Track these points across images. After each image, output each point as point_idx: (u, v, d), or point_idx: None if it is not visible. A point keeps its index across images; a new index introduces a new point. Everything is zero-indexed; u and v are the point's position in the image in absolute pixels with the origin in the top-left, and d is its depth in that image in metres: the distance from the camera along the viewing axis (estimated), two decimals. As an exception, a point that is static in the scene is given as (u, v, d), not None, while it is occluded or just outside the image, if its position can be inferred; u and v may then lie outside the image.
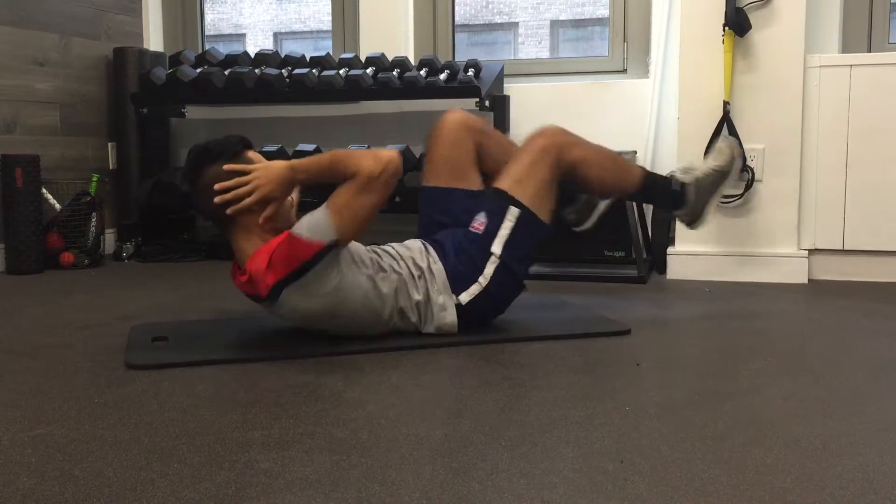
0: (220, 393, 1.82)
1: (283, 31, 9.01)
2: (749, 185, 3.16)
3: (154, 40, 4.41)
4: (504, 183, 2.29)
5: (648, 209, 3.50)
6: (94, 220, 3.76)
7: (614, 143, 3.50)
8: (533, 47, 7.61)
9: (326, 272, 2.03)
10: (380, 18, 4.03)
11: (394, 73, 3.69)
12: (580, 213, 2.55)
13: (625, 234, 3.30)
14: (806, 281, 3.18)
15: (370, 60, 3.77)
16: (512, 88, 3.83)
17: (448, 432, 1.54)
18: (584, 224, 2.56)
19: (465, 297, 2.23)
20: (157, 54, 4.22)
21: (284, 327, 2.33)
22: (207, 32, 4.69)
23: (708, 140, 3.18)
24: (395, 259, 2.23)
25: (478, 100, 3.57)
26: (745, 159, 3.09)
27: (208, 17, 4.78)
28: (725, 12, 3.10)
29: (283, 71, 3.85)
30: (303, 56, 3.94)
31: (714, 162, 2.52)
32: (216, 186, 2.09)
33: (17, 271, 3.54)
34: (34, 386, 1.88)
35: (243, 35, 8.69)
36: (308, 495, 1.27)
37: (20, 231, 3.54)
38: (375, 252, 2.23)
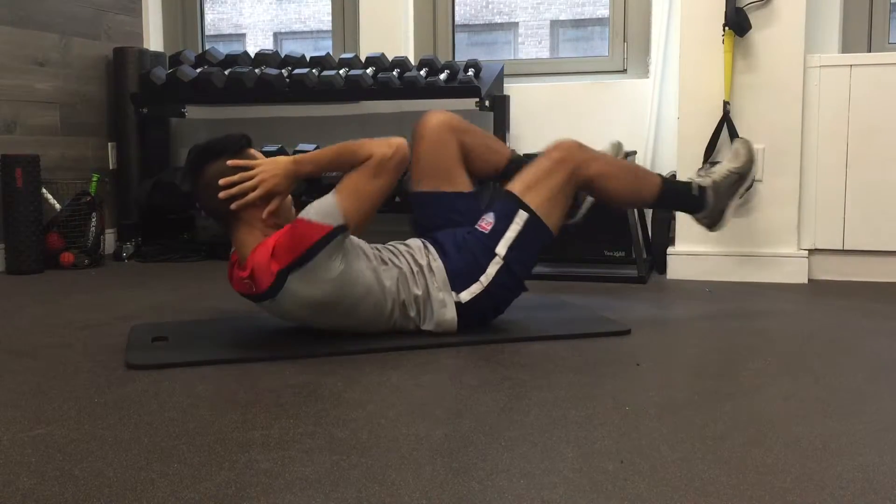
0: (220, 393, 1.82)
1: (283, 31, 9.01)
2: (749, 186, 3.16)
3: (154, 40, 4.41)
4: (515, 186, 2.30)
5: (648, 209, 3.50)
6: (94, 220, 3.76)
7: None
8: (533, 47, 7.61)
9: (331, 258, 2.04)
10: (380, 18, 4.03)
11: (394, 73, 3.69)
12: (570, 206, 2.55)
13: (625, 234, 3.30)
14: (806, 281, 3.18)
15: (370, 60, 3.77)
16: (512, 88, 3.83)
17: (448, 432, 1.54)
18: (575, 217, 2.54)
19: (465, 296, 2.23)
20: (157, 54, 4.22)
21: (284, 327, 2.33)
22: (207, 32, 4.69)
23: (708, 140, 3.19)
24: (394, 254, 2.25)
25: (478, 100, 3.57)
26: None
27: (208, 17, 4.78)
28: (725, 12, 3.10)
29: (283, 71, 3.85)
30: (303, 56, 3.94)
31: (731, 164, 2.53)
32: (221, 181, 2.10)
33: (17, 271, 3.54)
34: (34, 386, 1.88)
35: (243, 35, 8.69)
36: (308, 495, 1.27)
37: (20, 231, 3.54)
38: (376, 248, 2.24)
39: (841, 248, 3.20)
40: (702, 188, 2.48)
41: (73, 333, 2.40)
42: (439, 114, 2.40)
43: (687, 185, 2.51)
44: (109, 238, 4.07)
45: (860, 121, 3.14)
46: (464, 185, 2.42)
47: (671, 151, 3.45)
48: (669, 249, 3.31)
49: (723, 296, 2.95)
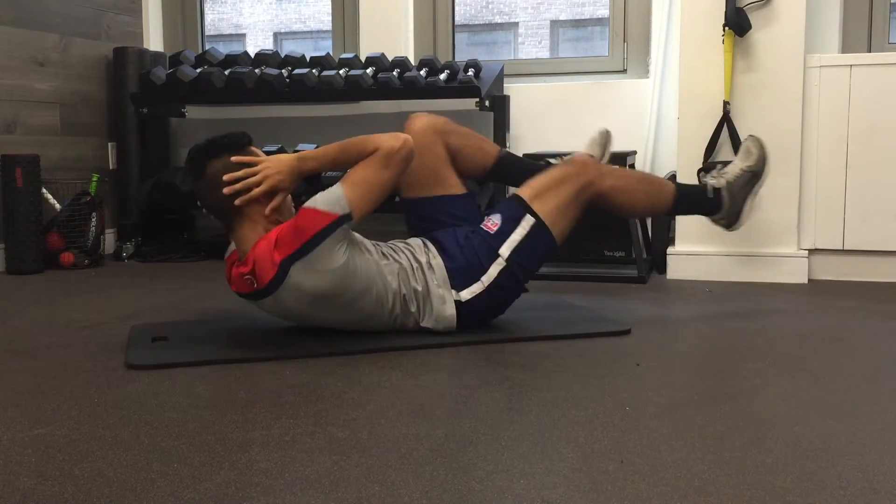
0: (220, 393, 1.82)
1: (283, 31, 9.01)
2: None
3: (154, 40, 4.41)
4: (525, 192, 2.32)
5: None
6: (94, 220, 3.76)
7: (614, 143, 3.51)
8: (533, 47, 7.61)
9: (335, 248, 2.04)
10: (380, 18, 4.03)
11: (394, 73, 3.69)
12: None
13: (625, 234, 3.30)
14: (806, 281, 3.18)
15: (370, 60, 3.77)
16: (512, 88, 3.83)
17: (448, 432, 1.54)
18: None
19: (465, 294, 2.23)
20: (157, 54, 4.22)
21: (284, 327, 2.33)
22: (207, 32, 4.69)
23: (708, 140, 3.19)
24: (394, 251, 2.26)
25: (478, 100, 3.57)
26: None
27: (208, 17, 4.78)
28: (725, 12, 3.10)
29: (283, 71, 3.85)
30: (303, 56, 3.94)
31: (744, 163, 2.53)
32: (226, 177, 2.11)
33: (17, 271, 3.54)
34: (34, 386, 1.88)
35: (243, 35, 8.69)
36: (308, 495, 1.27)
37: (20, 231, 3.54)
38: (376, 244, 2.25)
39: (841, 248, 3.20)
40: (716, 190, 2.48)
41: (73, 333, 2.40)
42: (423, 117, 2.39)
43: (701, 189, 2.51)
44: (109, 238, 4.07)
45: (860, 121, 3.14)
46: (455, 186, 2.42)
47: (671, 151, 3.45)
48: (669, 249, 3.31)
49: (723, 296, 2.95)
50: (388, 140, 2.13)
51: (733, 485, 1.30)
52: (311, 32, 8.56)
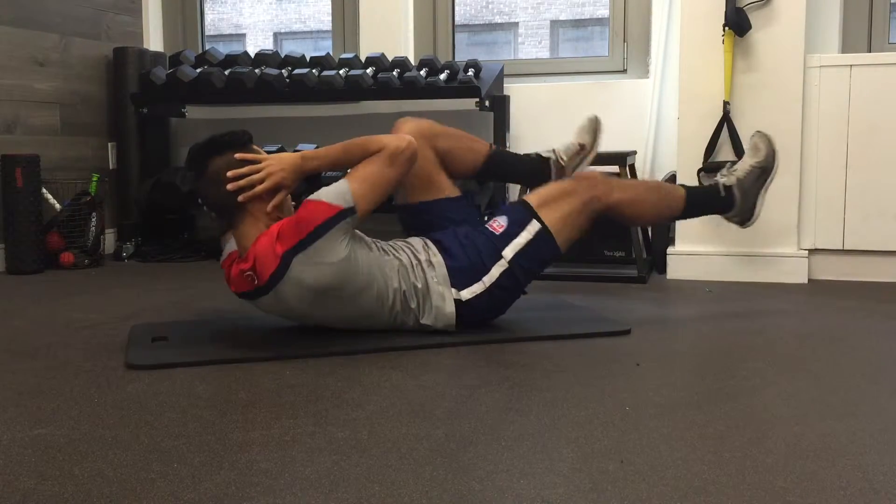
0: (220, 393, 1.82)
1: (283, 31, 9.01)
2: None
3: (154, 40, 4.41)
4: (533, 199, 2.33)
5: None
6: (94, 220, 3.77)
7: (614, 143, 3.52)
8: (533, 47, 7.61)
9: (336, 241, 2.05)
10: (380, 18, 4.03)
11: (394, 73, 3.69)
12: None
13: (625, 234, 3.30)
14: (806, 281, 3.18)
15: (370, 60, 3.77)
16: (512, 88, 3.83)
17: (448, 432, 1.54)
18: None
19: (466, 294, 2.23)
20: (157, 54, 4.22)
21: (284, 327, 2.33)
22: (207, 32, 4.69)
23: (708, 140, 3.19)
24: (395, 248, 2.27)
25: (478, 100, 3.57)
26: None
27: (208, 17, 4.78)
28: (725, 12, 3.10)
29: (283, 71, 3.85)
30: (303, 56, 3.94)
31: (752, 159, 2.53)
32: (230, 173, 2.12)
33: (17, 271, 3.54)
34: (34, 386, 1.88)
35: (243, 35, 8.69)
36: (308, 495, 1.27)
37: (20, 231, 3.54)
38: (376, 242, 2.26)
39: (841, 248, 3.20)
40: (727, 187, 2.49)
41: (73, 333, 2.40)
42: (409, 122, 2.38)
43: (710, 189, 2.52)
44: (109, 238, 4.07)
45: (860, 121, 3.14)
46: (448, 189, 2.42)
47: (671, 151, 3.45)
48: (669, 249, 3.31)
49: (723, 296, 2.95)
50: (393, 140, 2.16)
51: (733, 485, 1.30)
52: (311, 32, 8.56)
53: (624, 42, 3.83)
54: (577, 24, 7.36)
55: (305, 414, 1.65)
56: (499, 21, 7.69)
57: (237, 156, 2.15)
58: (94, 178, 3.86)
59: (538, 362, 2.04)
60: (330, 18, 4.30)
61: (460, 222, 2.36)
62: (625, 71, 3.84)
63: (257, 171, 2.14)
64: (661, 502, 1.24)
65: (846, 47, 3.33)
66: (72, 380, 1.92)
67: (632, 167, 3.47)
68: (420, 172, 2.32)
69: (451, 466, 1.38)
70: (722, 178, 2.52)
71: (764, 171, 2.52)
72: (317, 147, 3.72)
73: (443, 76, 3.65)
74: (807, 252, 3.20)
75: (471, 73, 3.64)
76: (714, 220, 3.08)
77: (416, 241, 2.31)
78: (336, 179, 2.16)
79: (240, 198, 2.12)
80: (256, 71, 3.84)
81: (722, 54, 3.15)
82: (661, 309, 2.79)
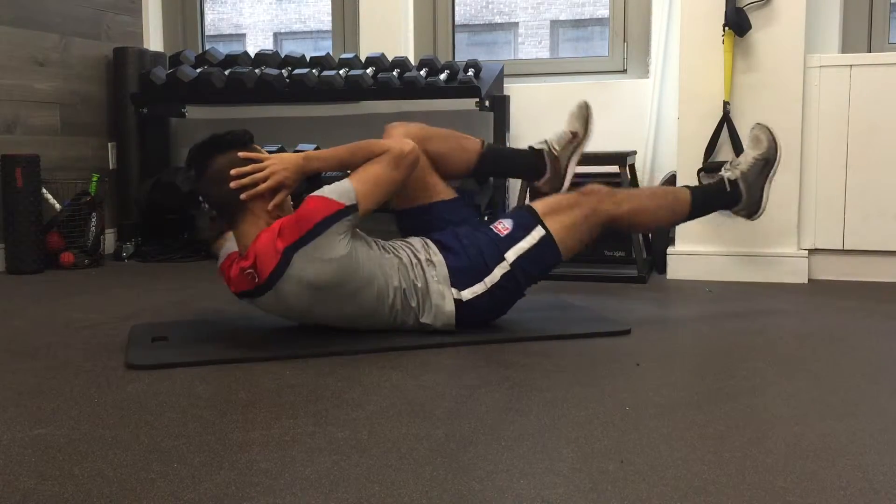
0: (220, 393, 1.82)
1: (283, 31, 9.02)
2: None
3: (154, 40, 4.41)
4: (539, 206, 2.34)
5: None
6: (94, 220, 3.77)
7: (614, 144, 3.52)
8: (533, 47, 7.62)
9: (337, 238, 2.06)
10: (380, 18, 4.03)
11: (394, 73, 3.69)
12: (552, 181, 2.52)
13: (625, 234, 3.30)
14: (806, 281, 3.18)
15: (370, 60, 3.77)
16: (512, 88, 3.83)
17: (448, 432, 1.54)
18: (563, 189, 2.52)
19: (467, 294, 2.23)
20: (157, 54, 4.22)
21: (284, 327, 2.33)
22: (207, 32, 4.69)
23: (708, 140, 3.19)
24: (395, 247, 2.27)
25: (478, 100, 3.57)
26: None
27: (208, 17, 4.78)
28: (725, 12, 3.10)
29: (283, 71, 3.85)
30: (303, 56, 3.94)
31: (755, 151, 2.54)
32: (233, 172, 2.13)
33: (17, 271, 3.54)
34: (34, 386, 1.88)
35: (243, 35, 8.69)
36: (308, 495, 1.27)
37: (20, 231, 3.54)
38: (376, 241, 2.26)
39: (841, 248, 3.20)
40: (732, 182, 2.49)
41: (73, 333, 2.40)
42: (398, 127, 2.37)
43: (714, 186, 2.53)
44: (109, 238, 4.07)
45: (860, 121, 3.14)
46: (444, 192, 2.42)
47: (671, 151, 3.45)
48: (669, 249, 3.31)
49: (723, 296, 2.95)
50: (398, 144, 2.18)
51: (733, 485, 1.30)
52: (311, 32, 8.57)
53: (624, 42, 3.83)
54: (577, 24, 7.36)
55: (305, 414, 1.65)
56: (499, 21, 7.70)
57: (241, 154, 2.17)
58: (94, 178, 3.86)
59: (538, 362, 2.04)
60: (330, 18, 4.30)
61: (458, 223, 2.36)
62: (625, 71, 3.84)
63: (260, 170, 2.15)
64: (661, 502, 1.24)
65: (846, 47, 3.33)
66: (72, 380, 1.92)
67: (632, 167, 3.47)
68: (414, 177, 2.32)
69: (451, 466, 1.38)
70: (726, 173, 2.53)
71: (767, 163, 2.52)
72: (317, 147, 3.74)
73: (443, 76, 3.65)
74: (807, 252, 3.20)
75: (471, 73, 3.64)
76: (714, 219, 3.09)
77: (416, 241, 2.31)
78: (337, 180, 2.17)
79: (242, 196, 2.13)
80: (256, 71, 3.84)
81: (722, 54, 3.15)
82: (661, 309, 2.79)
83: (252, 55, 3.99)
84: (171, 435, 1.54)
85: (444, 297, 2.22)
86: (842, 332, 2.41)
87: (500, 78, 3.78)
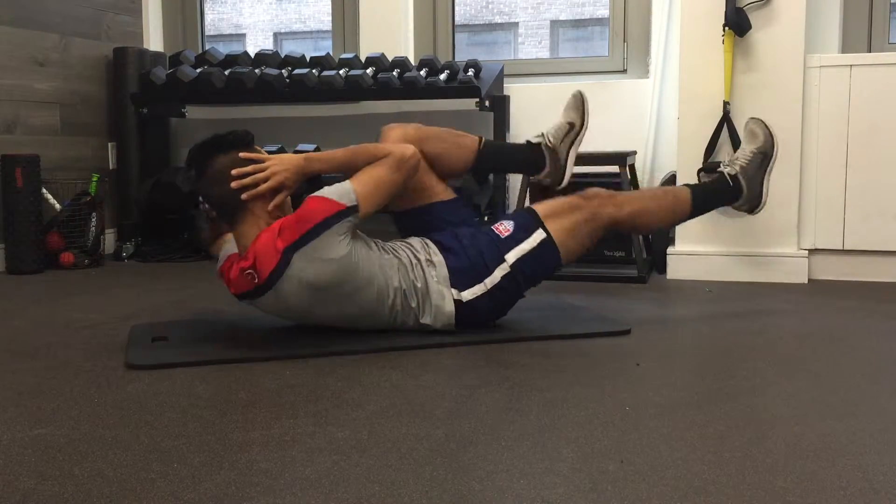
0: (220, 393, 1.82)
1: (283, 31, 9.02)
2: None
3: (154, 40, 4.41)
4: (540, 209, 2.34)
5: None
6: (94, 220, 3.77)
7: (614, 144, 3.52)
8: (533, 47, 7.62)
9: (337, 238, 2.07)
10: (380, 18, 4.03)
11: (394, 73, 3.69)
12: (552, 174, 2.51)
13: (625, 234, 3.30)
14: (806, 281, 3.18)
15: (370, 60, 3.77)
16: (512, 88, 3.83)
17: (448, 432, 1.54)
18: (563, 182, 2.52)
19: (467, 295, 2.23)
20: (157, 54, 4.22)
21: (284, 327, 2.33)
22: (207, 32, 4.69)
23: (708, 140, 3.19)
24: (394, 248, 2.27)
25: (478, 100, 3.57)
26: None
27: (208, 17, 4.78)
28: (725, 12, 3.10)
29: (283, 71, 3.85)
30: (303, 56, 3.94)
31: (752, 145, 2.55)
32: (234, 172, 2.14)
33: (17, 271, 3.54)
34: (34, 386, 1.88)
35: (243, 35, 8.69)
36: (308, 495, 1.27)
37: (20, 231, 3.54)
38: (375, 241, 2.26)
39: (841, 248, 3.20)
40: (732, 177, 2.50)
41: (73, 333, 2.40)
42: (395, 129, 2.37)
43: (715, 183, 2.53)
44: (109, 238, 4.07)
45: (860, 121, 3.14)
46: (442, 192, 2.41)
47: (671, 151, 3.45)
48: (669, 249, 3.31)
49: (723, 296, 2.95)
50: (399, 148, 2.20)
51: (733, 485, 1.30)
52: (311, 32, 8.57)
53: (624, 42, 3.83)
54: (577, 24, 7.37)
55: (305, 414, 1.65)
56: (499, 21, 7.70)
57: (242, 155, 2.17)
58: (94, 178, 3.86)
59: (538, 362, 2.04)
60: (330, 18, 4.31)
61: (458, 224, 2.36)
62: (625, 71, 3.84)
63: (261, 171, 2.15)
64: (661, 502, 1.24)
65: (846, 47, 3.33)
66: (72, 380, 1.92)
67: (632, 167, 3.47)
68: (413, 178, 2.32)
69: (451, 466, 1.38)
70: (725, 169, 2.53)
71: (765, 156, 2.53)
72: (317, 147, 3.75)
73: (443, 76, 3.65)
74: (807, 252, 3.20)
75: (471, 73, 3.64)
76: (714, 219, 3.10)
77: (416, 241, 2.31)
78: (337, 181, 2.17)
79: (243, 196, 2.13)
80: (256, 71, 3.84)
81: (722, 54, 3.15)
82: (661, 309, 2.79)
83: (252, 55, 3.99)
84: (171, 435, 1.54)
85: (444, 298, 2.22)
86: (842, 332, 2.41)
87: (500, 78, 3.78)
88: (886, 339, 2.31)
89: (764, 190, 2.53)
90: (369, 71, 3.73)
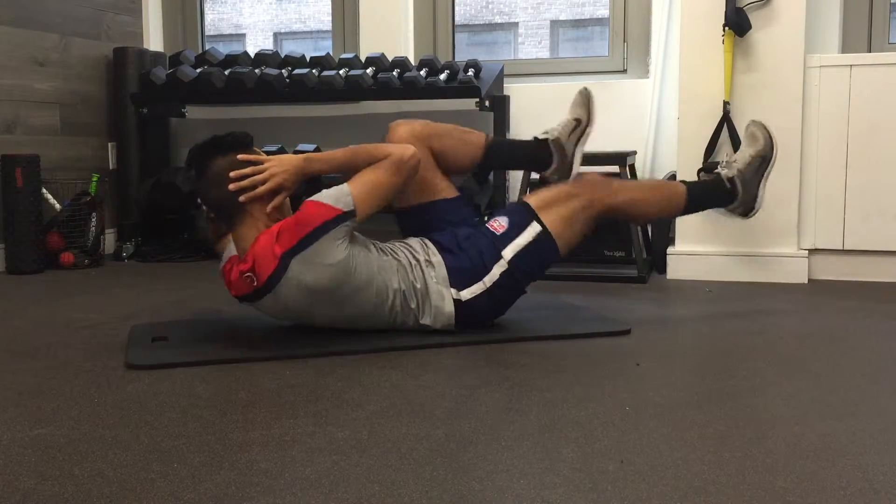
0: (220, 393, 1.82)
1: (283, 31, 9.02)
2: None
3: (154, 40, 4.41)
4: (533, 200, 2.33)
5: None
6: (94, 220, 3.77)
7: (614, 144, 3.52)
8: (533, 47, 7.62)
9: (336, 242, 2.06)
10: (380, 18, 4.03)
11: (394, 73, 3.69)
12: (559, 170, 2.50)
13: (625, 234, 3.31)
14: (806, 281, 3.18)
15: (370, 60, 3.77)
16: (512, 88, 3.83)
17: (448, 432, 1.54)
18: (570, 178, 2.50)
19: (466, 294, 2.23)
20: (157, 54, 4.22)
21: (284, 327, 2.33)
22: (207, 32, 4.69)
23: (708, 140, 3.19)
24: (393, 249, 2.27)
25: (478, 100, 3.57)
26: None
27: (208, 17, 4.78)
28: (725, 12, 3.10)
29: (283, 71, 3.85)
30: (303, 56, 3.94)
31: (751, 149, 2.54)
32: (233, 174, 2.13)
33: (17, 271, 3.54)
34: (34, 386, 1.88)
35: (243, 35, 8.69)
36: (308, 495, 1.27)
37: (20, 231, 3.54)
38: (374, 243, 2.26)
39: (841, 248, 3.20)
40: (729, 179, 2.50)
41: (73, 333, 2.40)
42: (402, 126, 2.37)
43: (711, 184, 2.53)
44: (109, 238, 4.07)
45: (860, 121, 3.14)
46: (446, 190, 2.41)
47: (671, 151, 3.45)
48: (669, 249, 3.31)
49: (723, 296, 2.95)
50: (400, 149, 2.18)
51: (733, 485, 1.30)
52: (311, 32, 8.57)
53: (624, 42, 3.83)
54: (577, 24, 7.37)
55: (305, 414, 1.65)
56: (499, 21, 7.70)
57: (240, 157, 2.16)
58: (94, 178, 3.86)
59: (538, 362, 2.04)
60: (330, 18, 4.30)
61: (458, 223, 2.36)
62: (625, 71, 3.84)
63: (260, 172, 2.14)
64: (661, 502, 1.24)
65: (846, 47, 3.33)
66: (72, 380, 1.92)
67: (632, 167, 3.47)
68: (417, 175, 2.32)
69: (451, 466, 1.38)
70: (723, 171, 2.53)
71: (764, 161, 2.53)
72: (317, 147, 3.75)
73: (443, 76, 3.65)
74: (807, 252, 3.20)
75: (471, 73, 3.64)
76: (714, 219, 3.09)
77: (415, 242, 2.31)
78: (337, 182, 2.16)
79: (241, 198, 2.13)
80: (256, 71, 3.84)
81: (722, 54, 3.15)
82: (661, 309, 2.79)
83: (252, 55, 3.99)
84: (171, 435, 1.54)
85: (444, 298, 2.22)
86: (842, 332, 2.41)
87: (500, 78, 3.78)
88: (886, 339, 2.31)
89: (759, 195, 2.52)
90: (369, 71, 3.73)
